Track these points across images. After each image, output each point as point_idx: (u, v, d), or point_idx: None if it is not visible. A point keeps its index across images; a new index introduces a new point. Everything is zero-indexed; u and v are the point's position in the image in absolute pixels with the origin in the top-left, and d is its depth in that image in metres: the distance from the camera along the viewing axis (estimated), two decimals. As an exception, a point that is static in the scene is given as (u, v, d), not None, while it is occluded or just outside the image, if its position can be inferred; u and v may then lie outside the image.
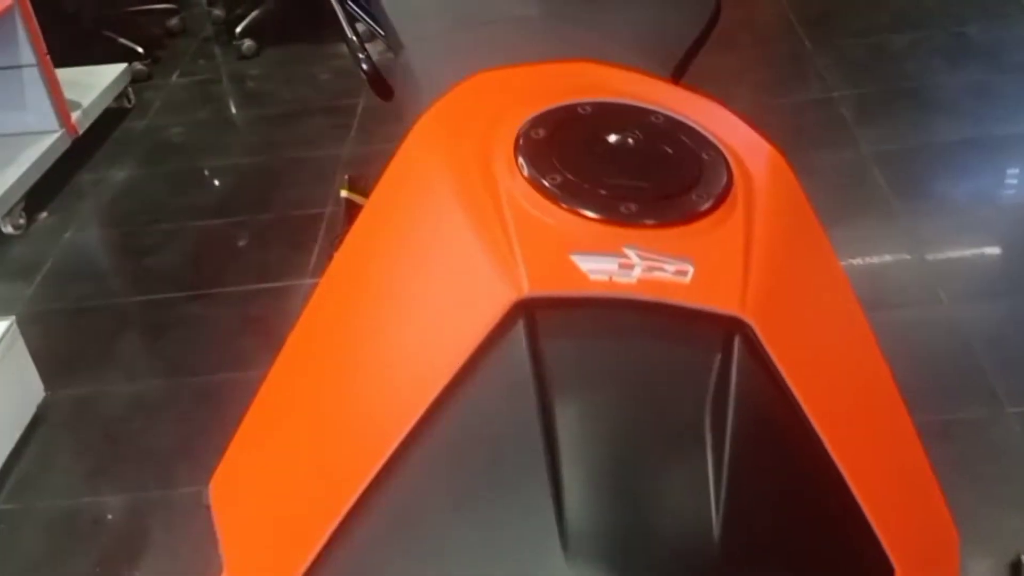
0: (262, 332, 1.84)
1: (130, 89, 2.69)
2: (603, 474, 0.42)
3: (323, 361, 0.60)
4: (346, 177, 1.20)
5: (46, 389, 1.75)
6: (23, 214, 2.25)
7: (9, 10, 2.19)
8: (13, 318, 1.67)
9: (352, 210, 1.17)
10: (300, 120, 2.57)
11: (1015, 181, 2.05)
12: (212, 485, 0.59)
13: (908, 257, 1.83)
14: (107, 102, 2.56)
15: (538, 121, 0.61)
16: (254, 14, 2.92)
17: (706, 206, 0.55)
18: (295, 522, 0.50)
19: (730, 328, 0.49)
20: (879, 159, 2.10)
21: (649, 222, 0.54)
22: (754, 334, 0.49)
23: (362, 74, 1.03)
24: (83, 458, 1.65)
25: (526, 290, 0.49)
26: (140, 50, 2.84)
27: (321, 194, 2.23)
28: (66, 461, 1.66)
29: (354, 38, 1.04)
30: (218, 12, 3.13)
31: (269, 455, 0.57)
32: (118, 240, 2.21)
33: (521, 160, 0.57)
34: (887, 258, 1.84)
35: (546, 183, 0.55)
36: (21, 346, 1.70)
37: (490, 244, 0.52)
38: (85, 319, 1.95)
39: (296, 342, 0.63)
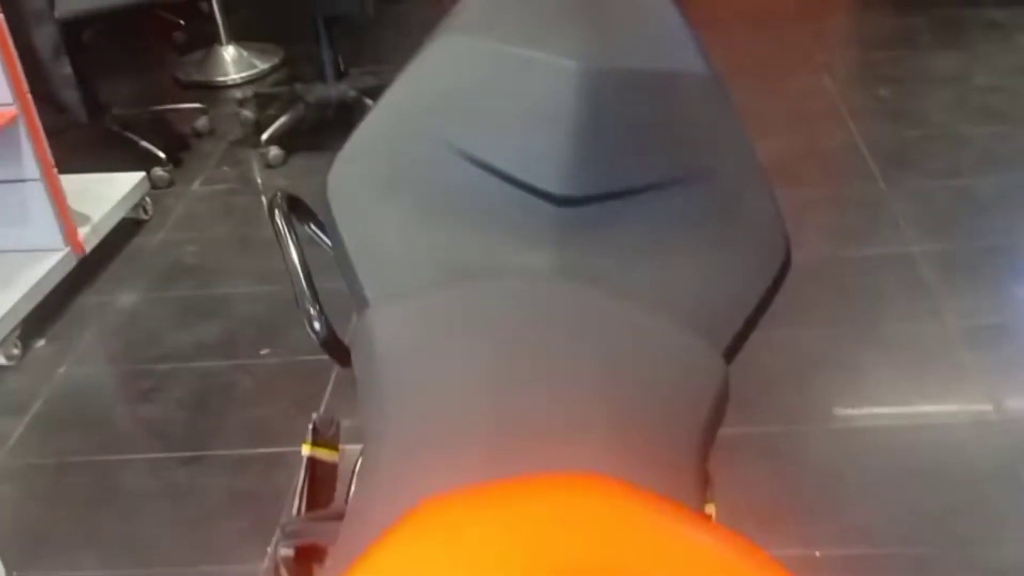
0: (249, 513, 1.62)
1: (147, 198, 2.54)
2: None
3: None
4: (310, 425, 0.98)
5: (12, 570, 1.55)
6: (18, 343, 2.08)
7: (13, 121, 2.05)
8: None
9: (316, 471, 0.95)
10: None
11: None
12: None
13: (1007, 469, 1.55)
14: (120, 215, 2.41)
15: None
16: (282, 120, 2.78)
17: None
18: None
19: None
20: (967, 336, 1.83)
21: None
22: None
23: (311, 333, 0.81)
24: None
25: None
26: (162, 155, 2.70)
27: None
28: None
29: (303, 281, 0.83)
30: (248, 113, 2.99)
31: None
32: (115, 380, 2.02)
33: None
34: (980, 468, 1.56)
35: None
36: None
37: None
38: (67, 480, 1.75)
39: None
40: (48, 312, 2.19)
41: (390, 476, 0.58)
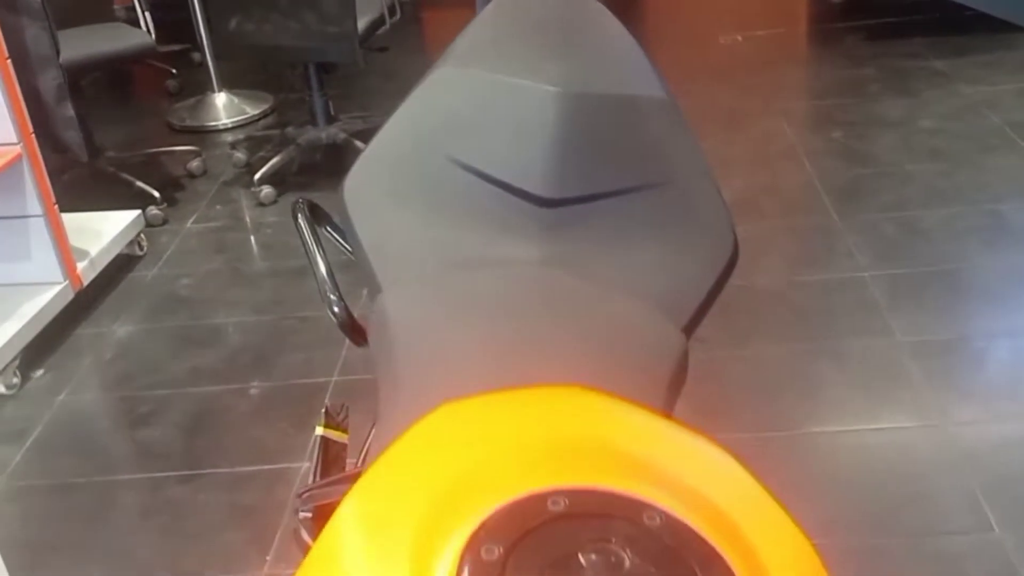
0: (250, 525, 1.71)
1: (142, 235, 2.65)
2: None
3: None
4: (323, 410, 1.10)
5: (15, 581, 1.61)
6: (17, 372, 2.16)
7: (17, 159, 2.17)
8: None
9: (328, 450, 1.06)
10: (312, 276, 2.50)
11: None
12: None
13: (951, 468, 1.68)
14: (116, 251, 2.51)
15: (494, 528, 0.47)
16: (274, 160, 2.91)
17: None
18: None
19: None
20: (915, 350, 1.98)
21: None
22: None
23: (331, 316, 0.94)
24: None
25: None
26: (156, 194, 2.82)
27: (329, 360, 2.14)
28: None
29: (324, 272, 0.96)
30: (240, 155, 3.13)
31: None
32: (112, 406, 2.10)
33: None
34: (927, 467, 1.69)
35: None
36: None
37: None
38: (68, 498, 1.83)
39: None
40: (46, 343, 2.28)
41: (408, 398, 0.70)
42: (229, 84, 3.66)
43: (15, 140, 2.16)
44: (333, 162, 3.11)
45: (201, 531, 1.71)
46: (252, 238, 2.75)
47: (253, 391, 2.09)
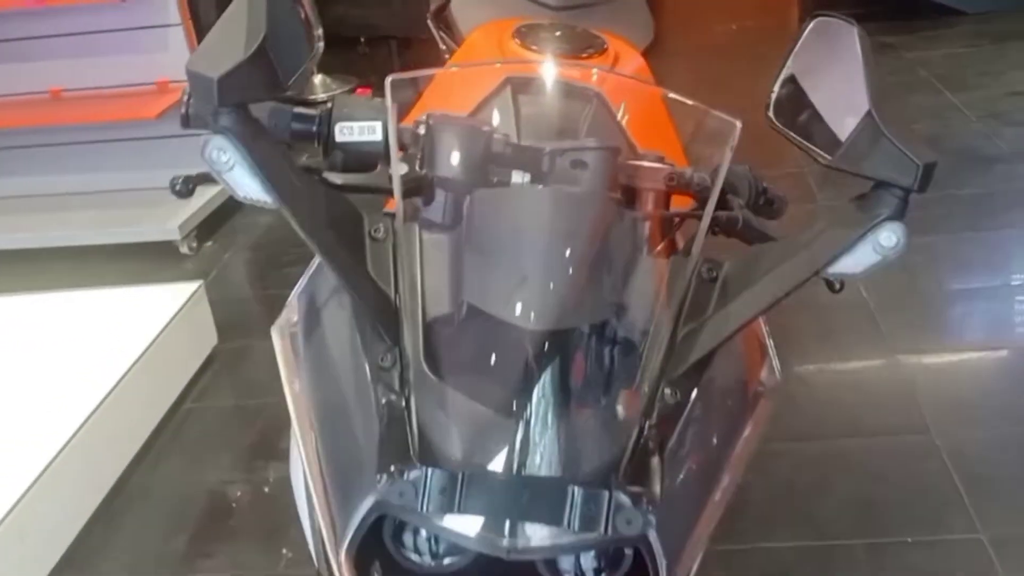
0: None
1: (271, 163, 3.57)
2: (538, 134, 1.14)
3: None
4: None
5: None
6: (195, 240, 3.08)
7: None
8: (202, 281, 2.45)
9: None
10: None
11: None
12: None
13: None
14: (256, 169, 3.43)
15: (524, 26, 1.48)
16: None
17: (594, 55, 1.42)
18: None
19: (591, 94, 1.19)
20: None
21: (567, 57, 1.40)
22: (603, 97, 1.20)
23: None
24: (242, 387, 2.38)
25: (513, 73, 1.25)
26: (279, 137, 3.75)
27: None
28: (230, 386, 2.39)
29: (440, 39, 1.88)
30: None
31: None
32: (263, 259, 3.00)
33: (515, 40, 1.43)
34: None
35: (526, 45, 1.41)
36: (205, 304, 2.47)
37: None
38: (240, 304, 2.71)
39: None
40: (213, 226, 3.19)
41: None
42: (324, 70, 4.63)
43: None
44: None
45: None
46: (350, 166, 3.65)
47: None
